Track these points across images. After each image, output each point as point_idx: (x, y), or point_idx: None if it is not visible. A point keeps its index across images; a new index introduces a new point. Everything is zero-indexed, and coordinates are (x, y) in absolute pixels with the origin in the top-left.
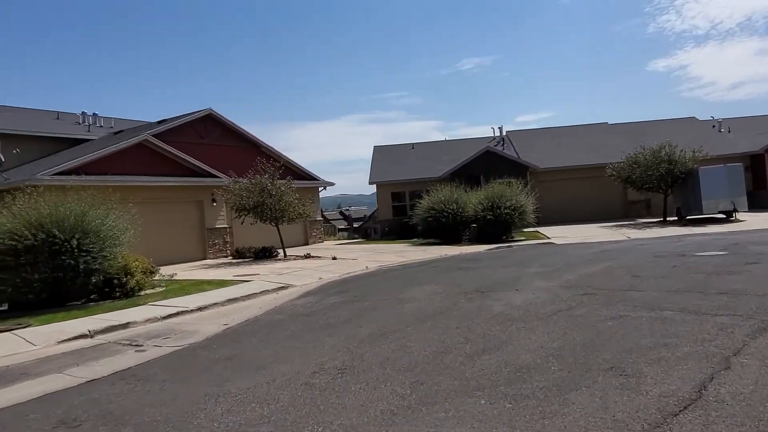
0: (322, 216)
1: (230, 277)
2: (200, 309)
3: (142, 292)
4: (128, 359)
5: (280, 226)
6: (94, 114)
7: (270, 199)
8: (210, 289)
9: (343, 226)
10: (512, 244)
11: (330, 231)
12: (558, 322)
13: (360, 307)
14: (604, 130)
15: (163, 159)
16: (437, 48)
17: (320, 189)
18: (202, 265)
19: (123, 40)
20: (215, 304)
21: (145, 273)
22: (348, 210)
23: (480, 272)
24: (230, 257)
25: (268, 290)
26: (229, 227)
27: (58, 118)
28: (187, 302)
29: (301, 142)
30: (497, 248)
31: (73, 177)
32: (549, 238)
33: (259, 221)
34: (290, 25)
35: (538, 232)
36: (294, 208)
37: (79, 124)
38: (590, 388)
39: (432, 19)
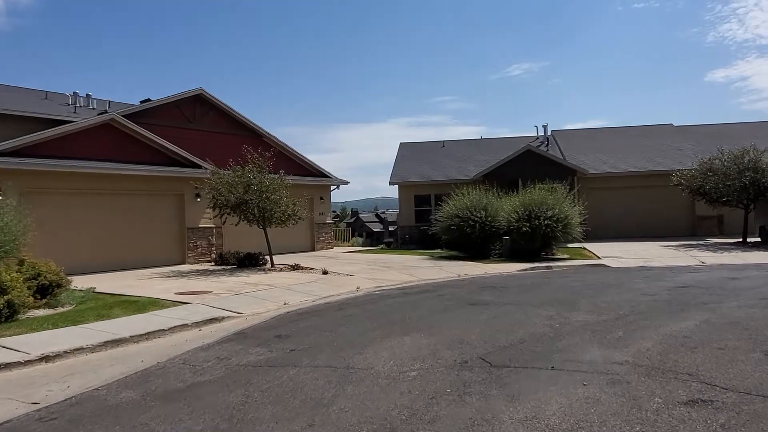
0: (356, 216)
1: (169, 296)
2: (45, 359)
3: (20, 316)
4: None
5: (269, 229)
6: (87, 95)
7: (253, 195)
8: (114, 317)
9: (378, 229)
10: (552, 264)
11: (343, 236)
12: None
13: (272, 384)
14: (669, 133)
15: (135, 143)
16: (487, 53)
17: (332, 188)
18: (168, 273)
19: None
20: (80, 349)
21: (45, 288)
22: (384, 213)
23: (500, 313)
24: (213, 263)
25: (188, 324)
26: (216, 227)
27: (46, 98)
28: (44, 343)
29: (345, 143)
30: (532, 269)
31: (9, 159)
32: (599, 257)
33: (243, 222)
34: (338, 30)
35: (584, 249)
36: (280, 207)
37: (68, 105)
38: None
39: (483, 24)
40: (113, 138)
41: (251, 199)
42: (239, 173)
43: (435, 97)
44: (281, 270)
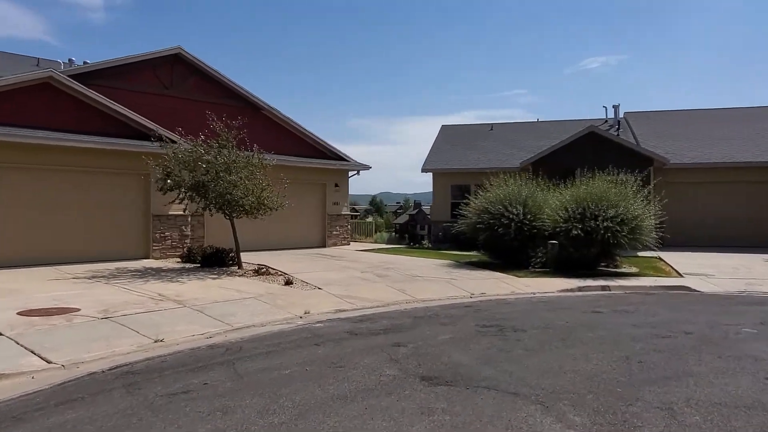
0: (419, 208)
1: (5, 316)
2: None
3: None
4: None
5: (236, 219)
6: (84, 63)
7: (209, 177)
8: None
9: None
10: (611, 282)
11: (366, 230)
12: None
13: None
14: None
15: (85, 109)
16: (563, 45)
17: (351, 173)
18: (101, 272)
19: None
20: None
21: None
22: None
23: (459, 424)
24: (180, 259)
25: None
26: (194, 215)
27: (37, 65)
28: None
29: (416, 136)
30: (580, 290)
31: None
32: (680, 275)
33: (202, 210)
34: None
35: (660, 260)
36: (241, 191)
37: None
38: None
39: (560, 15)
40: (56, 102)
41: (209, 181)
42: (195, 147)
43: (507, 90)
44: (243, 275)
